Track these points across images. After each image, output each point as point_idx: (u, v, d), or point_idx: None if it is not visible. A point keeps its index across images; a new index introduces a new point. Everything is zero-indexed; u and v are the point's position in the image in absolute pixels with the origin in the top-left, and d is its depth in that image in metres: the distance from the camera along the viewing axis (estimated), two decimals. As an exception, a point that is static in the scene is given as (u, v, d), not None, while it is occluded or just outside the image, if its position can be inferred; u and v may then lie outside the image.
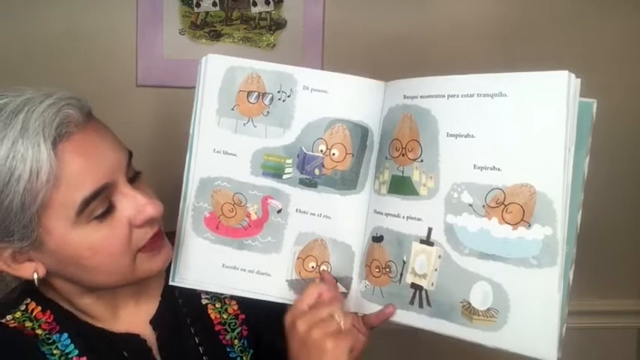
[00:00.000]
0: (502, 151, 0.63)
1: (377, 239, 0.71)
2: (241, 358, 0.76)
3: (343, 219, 0.73)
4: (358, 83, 0.73)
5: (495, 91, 0.63)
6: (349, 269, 0.74)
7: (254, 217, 0.74)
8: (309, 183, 0.73)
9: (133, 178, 0.66)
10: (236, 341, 0.76)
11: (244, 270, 0.74)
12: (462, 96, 0.65)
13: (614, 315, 1.40)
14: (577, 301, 1.31)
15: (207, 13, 1.22)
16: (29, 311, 0.68)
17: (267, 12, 1.23)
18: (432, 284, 0.67)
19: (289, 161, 0.73)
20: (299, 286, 0.74)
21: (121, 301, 0.71)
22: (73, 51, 1.18)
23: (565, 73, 0.60)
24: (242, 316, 0.78)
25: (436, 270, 0.66)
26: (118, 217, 0.62)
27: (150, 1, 1.20)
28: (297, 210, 0.73)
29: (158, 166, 1.24)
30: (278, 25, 1.23)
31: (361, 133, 0.73)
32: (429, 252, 0.67)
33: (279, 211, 0.74)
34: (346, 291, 0.73)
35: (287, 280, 0.74)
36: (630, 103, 1.33)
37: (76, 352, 0.66)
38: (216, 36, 1.22)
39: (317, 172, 0.73)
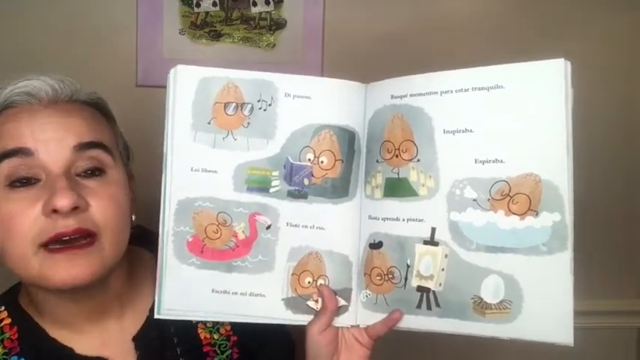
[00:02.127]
0: (503, 143, 0.63)
1: (375, 246, 0.69)
2: None
3: (337, 228, 0.70)
4: (340, 86, 0.71)
5: (491, 84, 0.63)
6: (347, 280, 0.70)
7: (241, 236, 0.69)
8: (299, 194, 0.69)
9: (91, 173, 0.62)
10: None
11: (236, 293, 0.69)
12: (456, 91, 0.65)
13: (614, 315, 1.40)
14: (577, 301, 1.31)
15: (207, 13, 1.22)
16: None
17: (267, 12, 1.23)
18: (440, 285, 0.66)
19: (275, 173, 0.69)
20: (296, 303, 0.70)
21: (100, 313, 0.66)
22: (73, 51, 1.18)
23: (561, 60, 0.61)
24: (234, 338, 0.74)
25: (443, 270, 0.66)
26: (33, 195, 0.58)
27: (150, 1, 1.20)
28: (287, 224, 0.70)
29: (157, 165, 1.24)
30: (278, 25, 1.23)
31: (348, 137, 0.70)
32: (434, 252, 0.66)
33: (268, 227, 0.69)
34: (346, 304, 0.70)
35: (283, 299, 0.70)
36: (624, 100, 1.33)
37: None
38: (216, 36, 1.22)
39: (306, 182, 0.69)
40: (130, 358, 0.66)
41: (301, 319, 0.70)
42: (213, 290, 0.69)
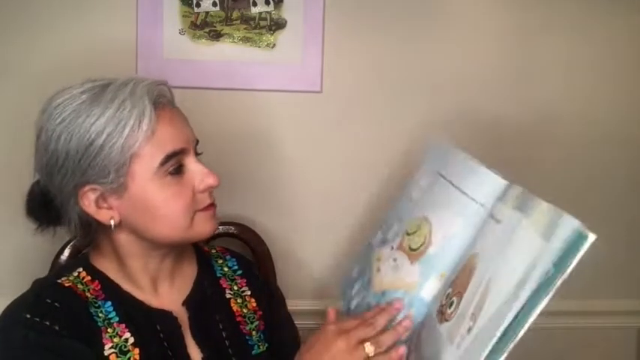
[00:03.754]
0: None
1: None
2: (258, 346, 0.86)
3: None
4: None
5: None
6: None
7: None
8: None
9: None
10: (254, 332, 0.87)
11: None
12: None
13: (614, 315, 1.40)
14: (577, 301, 1.32)
15: (207, 13, 1.22)
16: (80, 277, 0.78)
17: (267, 12, 1.23)
18: None
19: None
20: None
21: (160, 278, 0.81)
22: (73, 51, 1.18)
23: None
24: (259, 313, 0.89)
25: None
26: (186, 178, 0.76)
27: (150, 1, 1.20)
28: None
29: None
30: (278, 25, 1.23)
31: None
32: None
33: None
34: None
35: None
36: (625, 99, 1.34)
37: (117, 318, 0.76)
38: (216, 36, 1.22)
39: None
40: (184, 317, 0.81)
41: None
42: None
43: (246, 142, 1.26)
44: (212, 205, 0.79)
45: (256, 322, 0.88)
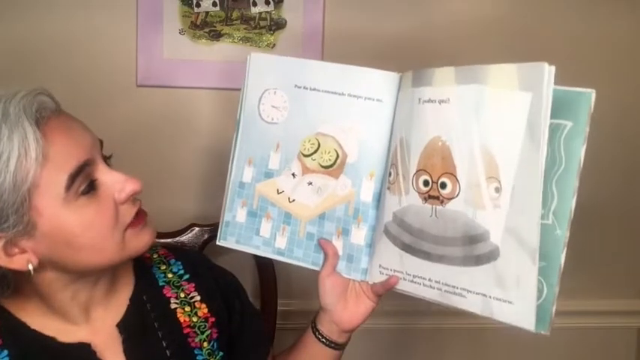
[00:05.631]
0: None
1: None
2: None
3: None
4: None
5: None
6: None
7: None
8: None
9: (106, 163, 0.69)
10: (205, 344, 0.78)
11: None
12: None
13: (614, 315, 1.40)
14: (577, 301, 1.32)
15: (207, 13, 1.22)
16: None
17: (267, 12, 1.23)
18: None
19: None
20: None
21: (93, 304, 0.72)
22: (74, 51, 1.18)
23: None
24: (212, 319, 0.79)
25: None
26: (102, 193, 0.65)
27: (150, 1, 1.20)
28: None
29: (156, 165, 1.24)
30: (278, 25, 1.23)
31: None
32: None
33: None
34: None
35: None
36: (627, 96, 1.33)
37: None
38: (216, 36, 1.22)
39: None
40: (116, 343, 0.72)
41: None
42: None
43: (246, 142, 1.26)
44: (141, 215, 0.69)
45: (208, 332, 0.78)
